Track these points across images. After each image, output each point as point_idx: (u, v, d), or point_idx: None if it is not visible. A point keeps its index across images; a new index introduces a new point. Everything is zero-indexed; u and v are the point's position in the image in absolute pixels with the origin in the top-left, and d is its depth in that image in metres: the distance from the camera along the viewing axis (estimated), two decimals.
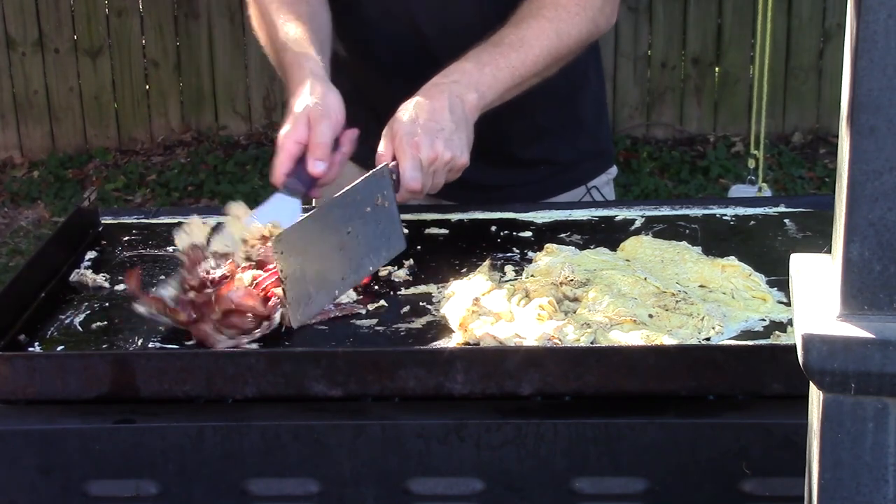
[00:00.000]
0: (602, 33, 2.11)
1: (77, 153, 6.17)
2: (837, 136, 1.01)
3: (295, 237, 1.68)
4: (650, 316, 1.61)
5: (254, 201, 1.87)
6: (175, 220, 2.03)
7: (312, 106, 1.87)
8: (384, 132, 1.86)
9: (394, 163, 1.81)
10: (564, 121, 2.00)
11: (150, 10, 6.05)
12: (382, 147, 1.84)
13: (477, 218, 2.04)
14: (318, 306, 1.70)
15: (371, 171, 1.80)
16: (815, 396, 1.05)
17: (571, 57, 2.08)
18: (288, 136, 1.87)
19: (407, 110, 1.86)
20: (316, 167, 1.86)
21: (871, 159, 0.97)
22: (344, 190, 1.76)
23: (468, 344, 1.59)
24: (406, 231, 1.86)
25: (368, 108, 2.22)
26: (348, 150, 1.93)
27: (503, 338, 1.58)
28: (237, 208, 1.82)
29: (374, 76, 2.24)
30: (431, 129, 1.82)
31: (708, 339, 1.57)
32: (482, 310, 1.63)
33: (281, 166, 1.86)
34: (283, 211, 1.84)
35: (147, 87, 6.20)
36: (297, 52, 2.00)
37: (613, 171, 2.40)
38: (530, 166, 2.23)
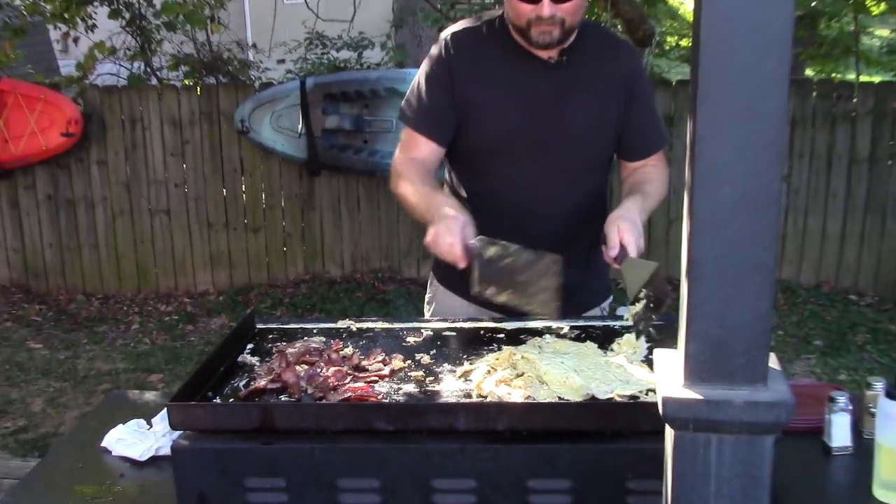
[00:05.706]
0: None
1: (244, 287, 6.19)
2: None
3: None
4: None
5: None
6: (300, 326, 2.02)
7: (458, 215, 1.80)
8: (610, 229, 1.79)
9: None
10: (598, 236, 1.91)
11: (288, 204, 6.14)
12: (611, 232, 1.78)
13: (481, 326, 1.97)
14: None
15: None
16: (669, 433, 1.05)
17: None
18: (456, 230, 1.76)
19: (622, 218, 1.81)
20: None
21: (700, 303, 1.00)
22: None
23: (480, 397, 1.56)
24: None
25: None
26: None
27: (495, 393, 1.55)
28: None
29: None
30: (638, 229, 1.80)
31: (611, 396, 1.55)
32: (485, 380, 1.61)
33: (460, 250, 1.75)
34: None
35: (284, 248, 6.24)
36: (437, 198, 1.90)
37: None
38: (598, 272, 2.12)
